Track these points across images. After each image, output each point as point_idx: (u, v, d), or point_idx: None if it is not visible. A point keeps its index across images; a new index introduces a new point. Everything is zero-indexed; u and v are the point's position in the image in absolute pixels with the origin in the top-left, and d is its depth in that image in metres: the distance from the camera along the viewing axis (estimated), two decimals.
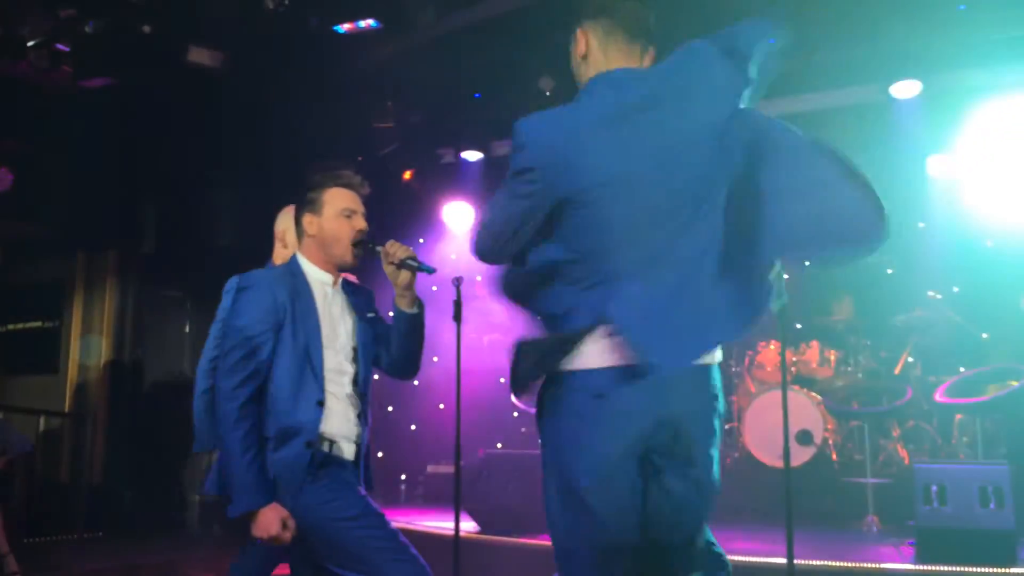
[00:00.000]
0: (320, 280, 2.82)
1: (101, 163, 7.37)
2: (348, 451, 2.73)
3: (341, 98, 6.87)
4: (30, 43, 5.63)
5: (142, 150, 7.28)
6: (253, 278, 2.75)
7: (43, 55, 5.68)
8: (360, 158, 7.59)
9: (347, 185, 2.85)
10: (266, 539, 2.56)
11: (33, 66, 5.73)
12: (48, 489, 7.65)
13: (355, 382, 2.78)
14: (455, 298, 4.29)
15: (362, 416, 2.78)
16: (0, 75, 6.05)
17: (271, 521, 2.55)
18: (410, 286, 2.83)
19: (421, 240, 8.47)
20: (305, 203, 2.83)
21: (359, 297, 2.93)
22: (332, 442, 2.68)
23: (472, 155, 7.83)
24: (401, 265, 2.78)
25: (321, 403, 2.66)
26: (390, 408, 8.31)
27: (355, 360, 2.81)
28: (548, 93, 6.68)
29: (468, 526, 5.29)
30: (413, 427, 8.34)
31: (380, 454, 8.27)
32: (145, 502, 7.73)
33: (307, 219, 2.82)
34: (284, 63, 6.15)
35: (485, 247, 2.18)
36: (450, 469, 6.25)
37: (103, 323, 8.29)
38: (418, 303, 2.87)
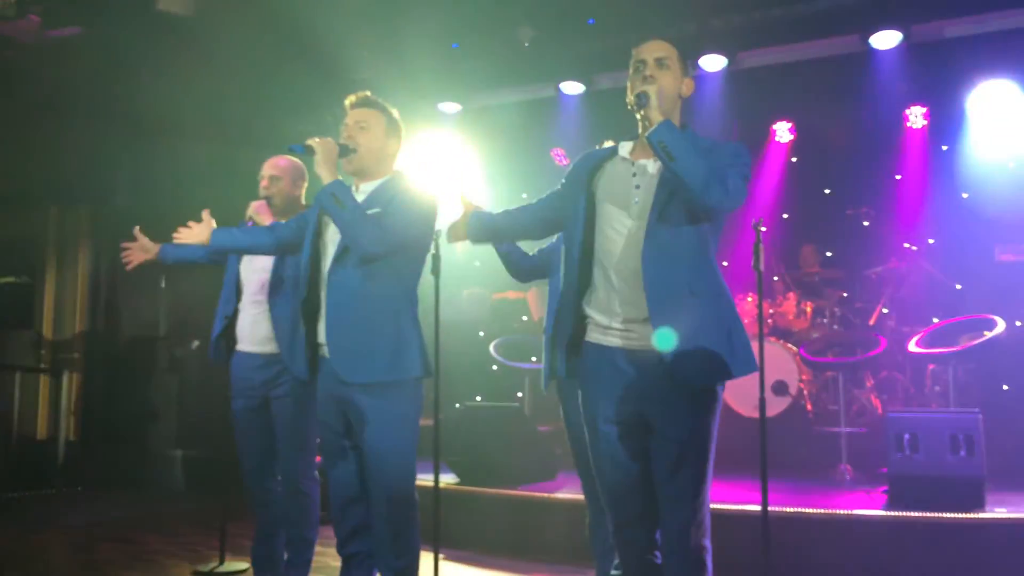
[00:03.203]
0: None
1: (72, 116, 7.22)
2: None
3: (317, 48, 6.74)
4: None
5: (113, 103, 7.14)
6: None
7: (10, 4, 5.55)
8: (335, 111, 7.48)
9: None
10: None
11: (0, 16, 5.59)
12: (25, 445, 7.63)
13: None
14: (433, 251, 4.25)
15: None
16: None
17: None
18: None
19: None
20: None
21: None
22: None
23: (450, 107, 7.73)
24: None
25: None
26: None
27: None
28: (527, 44, 6.59)
29: (448, 478, 5.34)
30: None
31: None
32: (123, 457, 7.72)
33: None
34: (257, 11, 6.03)
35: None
36: (429, 422, 6.26)
37: (77, 278, 8.22)
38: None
